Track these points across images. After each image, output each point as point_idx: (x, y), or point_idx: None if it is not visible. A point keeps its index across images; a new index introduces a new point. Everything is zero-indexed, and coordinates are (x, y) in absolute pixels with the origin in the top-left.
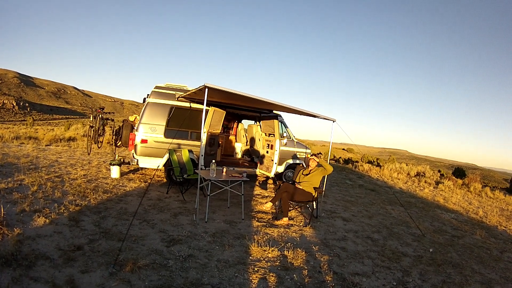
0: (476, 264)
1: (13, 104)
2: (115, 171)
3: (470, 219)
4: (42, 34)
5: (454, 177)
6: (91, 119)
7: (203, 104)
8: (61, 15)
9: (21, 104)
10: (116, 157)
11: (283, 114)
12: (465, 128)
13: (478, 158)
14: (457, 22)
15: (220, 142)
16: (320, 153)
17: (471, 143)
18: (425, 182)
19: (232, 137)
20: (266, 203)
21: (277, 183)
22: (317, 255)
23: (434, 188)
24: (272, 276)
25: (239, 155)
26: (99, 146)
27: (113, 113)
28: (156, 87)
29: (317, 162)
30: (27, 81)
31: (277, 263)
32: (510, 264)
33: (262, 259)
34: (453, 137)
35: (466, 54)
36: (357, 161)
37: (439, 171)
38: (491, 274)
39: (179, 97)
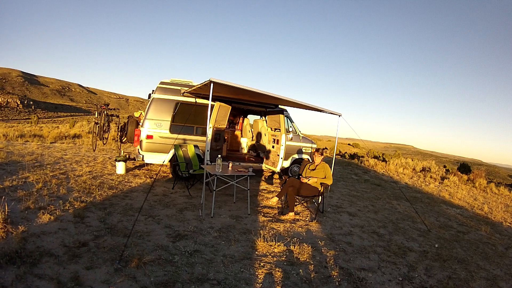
0: (481, 260)
1: (17, 103)
2: (120, 167)
3: (475, 215)
4: (46, 32)
5: (459, 173)
6: (96, 115)
7: (208, 99)
8: (65, 13)
9: (26, 102)
10: (122, 153)
11: (289, 109)
12: (471, 124)
13: (483, 154)
14: (463, 17)
15: (226, 137)
16: (326, 148)
17: (476, 139)
18: (431, 177)
19: (237, 132)
20: (272, 198)
21: (283, 178)
22: (323, 250)
23: (439, 183)
24: (278, 271)
25: (245, 150)
26: (105, 142)
27: (118, 109)
28: (162, 83)
29: (322, 157)
30: (31, 79)
31: (283, 258)
32: None
33: (268, 254)
34: (459, 133)
35: (472, 50)
36: (362, 156)
37: (444, 166)
38: (496, 270)
39: (184, 92)
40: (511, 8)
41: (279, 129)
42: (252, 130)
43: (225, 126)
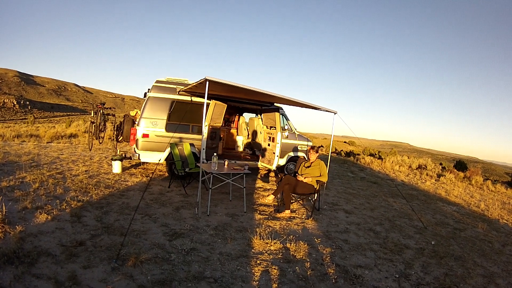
0: (478, 257)
1: (13, 103)
2: (116, 166)
3: (471, 212)
4: (42, 33)
5: (455, 170)
6: (92, 115)
7: (204, 97)
8: (61, 13)
9: (22, 102)
10: (118, 152)
11: (284, 107)
12: (467, 122)
13: (479, 151)
14: (459, 15)
15: (221, 136)
16: (322, 146)
17: (473, 136)
18: (427, 174)
19: (233, 130)
20: (268, 195)
21: (279, 175)
22: (319, 248)
23: (435, 180)
24: (274, 268)
25: (240, 148)
26: (101, 141)
27: (114, 108)
28: (157, 82)
29: (317, 155)
30: (27, 79)
31: (280, 256)
32: (511, 257)
33: (264, 251)
34: (455, 131)
35: (468, 47)
36: (358, 154)
37: (440, 164)
38: (493, 267)
39: (180, 91)
40: (496, 7)
41: (275, 127)
42: (248, 128)
43: (220, 124)
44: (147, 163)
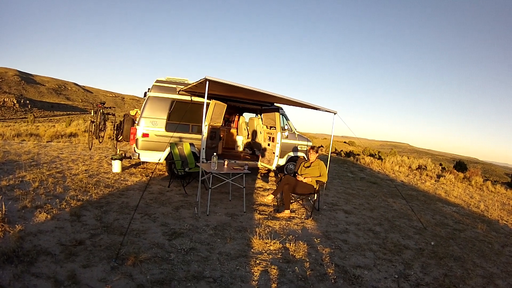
0: (478, 257)
1: (13, 102)
2: (116, 166)
3: (471, 213)
4: (42, 32)
5: (455, 171)
6: (92, 114)
7: (204, 97)
8: (61, 12)
9: (22, 101)
10: (118, 152)
11: (284, 107)
12: (467, 122)
13: (479, 152)
14: (459, 15)
15: (221, 135)
16: (322, 146)
17: (473, 137)
18: (427, 175)
19: (233, 130)
20: (267, 195)
21: (279, 175)
22: (318, 248)
23: (435, 181)
24: (273, 268)
25: (240, 148)
26: (101, 141)
27: (114, 107)
28: (157, 81)
29: (317, 155)
30: (27, 78)
31: (279, 256)
32: (511, 258)
33: (263, 251)
34: (454, 131)
35: (468, 47)
36: (358, 154)
37: (440, 164)
38: (493, 268)
39: (180, 90)
40: (496, 7)
41: (275, 127)
42: (248, 128)
43: (220, 124)
44: (147, 162)
